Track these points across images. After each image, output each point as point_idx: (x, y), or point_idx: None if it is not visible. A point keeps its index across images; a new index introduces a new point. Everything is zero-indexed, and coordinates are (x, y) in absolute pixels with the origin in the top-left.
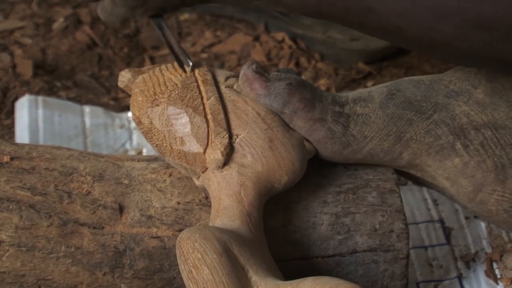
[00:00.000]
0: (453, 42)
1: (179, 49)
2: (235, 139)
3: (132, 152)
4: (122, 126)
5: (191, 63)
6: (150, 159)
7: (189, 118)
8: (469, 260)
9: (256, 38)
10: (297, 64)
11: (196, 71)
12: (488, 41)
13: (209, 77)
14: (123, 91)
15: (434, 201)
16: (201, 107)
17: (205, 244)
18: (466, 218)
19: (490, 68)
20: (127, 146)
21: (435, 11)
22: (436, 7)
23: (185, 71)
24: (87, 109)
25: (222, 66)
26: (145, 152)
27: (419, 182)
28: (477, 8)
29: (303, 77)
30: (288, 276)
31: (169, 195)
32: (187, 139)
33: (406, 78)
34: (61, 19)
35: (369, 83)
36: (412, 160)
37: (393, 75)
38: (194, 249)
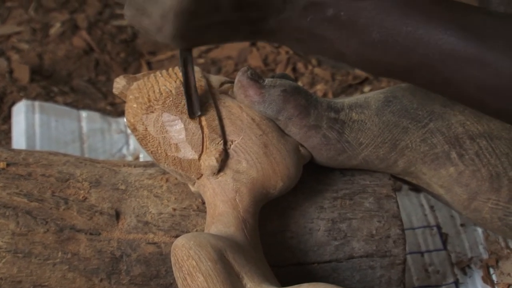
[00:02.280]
0: None
1: (195, 92)
2: (230, 146)
3: (129, 157)
4: (119, 131)
5: (199, 112)
6: (146, 165)
7: (184, 125)
8: (464, 266)
9: (253, 44)
10: (294, 69)
11: (200, 87)
12: None
13: (203, 83)
14: (119, 97)
15: (431, 207)
16: None
17: (199, 251)
18: (462, 225)
19: None
20: (124, 151)
21: None
22: None
23: (192, 116)
24: (84, 114)
25: (219, 71)
26: (142, 157)
27: (415, 187)
28: None
29: (299, 82)
30: (284, 282)
31: (166, 201)
32: (182, 146)
33: (403, 85)
34: (58, 25)
35: (366, 89)
36: (407, 168)
37: (390, 80)
38: (188, 256)
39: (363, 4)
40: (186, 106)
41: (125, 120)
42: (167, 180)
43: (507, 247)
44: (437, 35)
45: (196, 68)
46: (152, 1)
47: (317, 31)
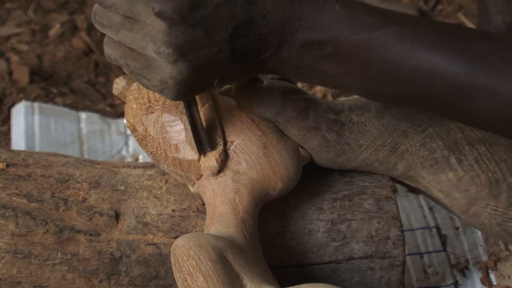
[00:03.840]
0: None
1: (202, 130)
2: (230, 146)
3: (128, 158)
4: (118, 133)
5: (209, 148)
6: (146, 166)
7: (184, 125)
8: (463, 268)
9: None
10: None
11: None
12: None
13: None
14: (119, 98)
15: (430, 208)
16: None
17: (199, 252)
18: (462, 226)
19: None
20: (124, 152)
21: None
22: None
23: (201, 152)
24: (83, 115)
25: None
26: (141, 158)
27: (414, 189)
28: None
29: (298, 84)
30: (283, 283)
31: (165, 202)
32: (181, 146)
33: None
34: (57, 26)
35: None
36: (407, 172)
37: None
38: (188, 257)
39: (361, 39)
40: (195, 145)
41: (124, 120)
42: (166, 181)
43: (507, 249)
44: (442, 67)
45: None
46: (150, 70)
47: (318, 67)
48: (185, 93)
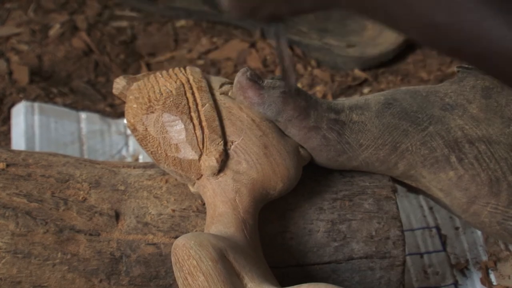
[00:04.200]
0: None
1: (290, 65)
2: (230, 146)
3: (128, 158)
4: (118, 133)
5: (297, 81)
6: (146, 166)
7: (184, 125)
8: (463, 268)
9: (253, 45)
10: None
11: (191, 78)
12: None
13: (203, 84)
14: (119, 97)
15: (430, 208)
16: (196, 114)
17: (200, 251)
18: (462, 226)
19: None
20: (124, 152)
21: None
22: None
23: (291, 89)
24: (83, 115)
25: (218, 72)
26: (141, 158)
27: (413, 189)
28: None
29: (299, 84)
30: (284, 283)
31: (165, 202)
32: (182, 146)
33: (403, 88)
34: (57, 26)
35: (365, 90)
36: (407, 171)
37: (389, 82)
38: (189, 256)
39: None
40: (282, 79)
41: (125, 120)
42: (166, 181)
43: (507, 249)
44: (503, 29)
45: (196, 69)
46: None
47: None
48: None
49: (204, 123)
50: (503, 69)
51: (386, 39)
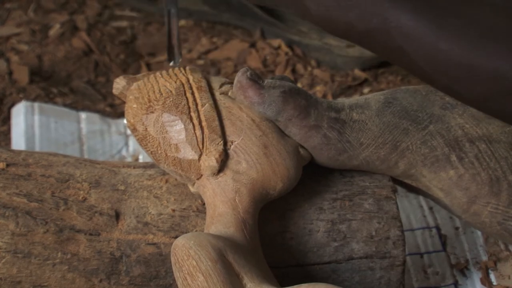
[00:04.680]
0: (485, 103)
1: (177, 43)
2: (230, 146)
3: (128, 158)
4: (118, 133)
5: (180, 60)
6: (146, 166)
7: (184, 125)
8: (463, 268)
9: (253, 45)
10: (293, 70)
11: (191, 78)
12: None
13: (203, 83)
14: (119, 97)
15: (430, 208)
16: (196, 114)
17: (200, 251)
18: (462, 226)
19: None
20: (124, 152)
21: (470, 72)
22: (471, 67)
23: (174, 63)
24: (83, 115)
25: (218, 72)
26: (141, 158)
27: (413, 190)
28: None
29: (299, 84)
30: (283, 283)
31: (166, 201)
32: (181, 146)
33: (403, 88)
34: (57, 26)
35: (366, 90)
36: (408, 170)
37: (389, 81)
38: (189, 256)
39: None
40: (167, 55)
41: (125, 120)
42: (166, 181)
43: (507, 249)
44: (399, 3)
45: (196, 69)
46: None
47: None
48: None
49: (204, 123)
50: (398, 44)
51: None
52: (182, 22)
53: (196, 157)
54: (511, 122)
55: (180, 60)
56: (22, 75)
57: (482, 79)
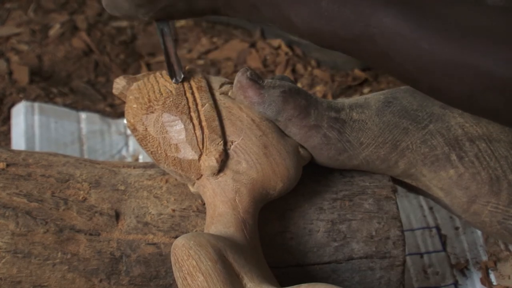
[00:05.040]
0: (468, 100)
1: (175, 59)
2: (230, 146)
3: (128, 158)
4: (118, 133)
5: (182, 77)
6: (146, 166)
7: (184, 125)
8: (462, 268)
9: (253, 45)
10: (294, 70)
11: (191, 78)
12: (502, 104)
13: (203, 84)
14: (119, 97)
15: (430, 208)
16: (196, 114)
17: (199, 251)
18: (462, 226)
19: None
20: (124, 152)
21: (452, 70)
22: (454, 65)
23: (176, 82)
24: (83, 115)
25: (218, 72)
26: (141, 158)
27: (413, 190)
28: (494, 70)
29: (299, 84)
30: (283, 283)
31: (166, 201)
32: (181, 146)
33: (402, 87)
34: (57, 26)
35: (366, 90)
36: (408, 170)
37: (390, 81)
38: (189, 256)
39: None
40: (168, 73)
41: (125, 120)
42: (166, 181)
43: (507, 249)
44: (380, 8)
45: (196, 69)
46: None
47: None
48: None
49: (204, 123)
50: (382, 49)
51: None
52: (182, 22)
53: (196, 157)
54: (496, 119)
55: (182, 76)
56: (22, 75)
57: (464, 76)
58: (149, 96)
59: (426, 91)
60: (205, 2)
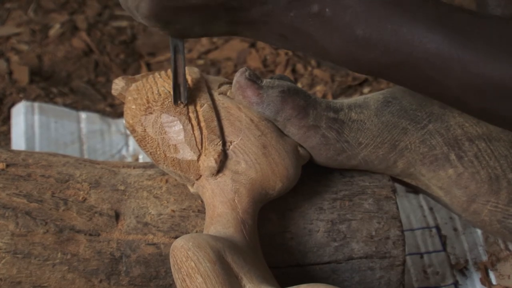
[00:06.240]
0: None
1: (183, 80)
2: (229, 146)
3: (128, 158)
4: (118, 133)
5: (185, 101)
6: (146, 166)
7: (183, 126)
8: (463, 268)
9: (253, 45)
10: (294, 70)
11: (189, 78)
12: None
13: (202, 84)
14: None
15: (430, 208)
16: (195, 115)
17: (198, 253)
18: (462, 226)
19: None
20: (124, 152)
21: (504, 91)
22: (505, 86)
23: (175, 103)
24: (83, 115)
25: (218, 72)
26: (141, 158)
27: (413, 189)
28: None
29: (299, 84)
30: (283, 283)
31: (165, 202)
32: (180, 147)
33: (402, 87)
34: (57, 26)
35: (366, 90)
36: (407, 169)
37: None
38: (187, 258)
39: (349, 1)
40: (172, 93)
41: (124, 121)
42: (166, 181)
43: (507, 248)
44: (422, 33)
45: (195, 69)
46: None
47: (301, 26)
48: (159, 15)
49: (202, 124)
50: (427, 74)
51: None
52: None
53: (195, 157)
54: None
55: (186, 101)
56: (22, 75)
57: None
58: (147, 97)
59: (477, 113)
60: (223, 28)
